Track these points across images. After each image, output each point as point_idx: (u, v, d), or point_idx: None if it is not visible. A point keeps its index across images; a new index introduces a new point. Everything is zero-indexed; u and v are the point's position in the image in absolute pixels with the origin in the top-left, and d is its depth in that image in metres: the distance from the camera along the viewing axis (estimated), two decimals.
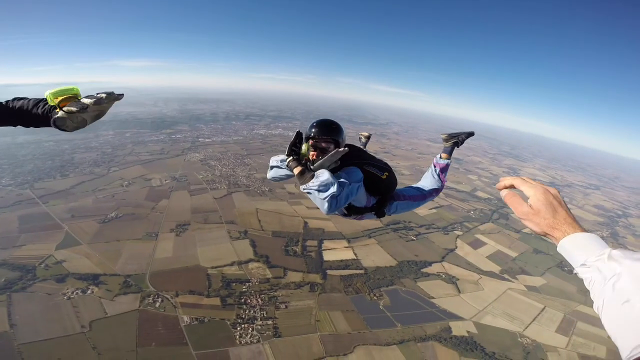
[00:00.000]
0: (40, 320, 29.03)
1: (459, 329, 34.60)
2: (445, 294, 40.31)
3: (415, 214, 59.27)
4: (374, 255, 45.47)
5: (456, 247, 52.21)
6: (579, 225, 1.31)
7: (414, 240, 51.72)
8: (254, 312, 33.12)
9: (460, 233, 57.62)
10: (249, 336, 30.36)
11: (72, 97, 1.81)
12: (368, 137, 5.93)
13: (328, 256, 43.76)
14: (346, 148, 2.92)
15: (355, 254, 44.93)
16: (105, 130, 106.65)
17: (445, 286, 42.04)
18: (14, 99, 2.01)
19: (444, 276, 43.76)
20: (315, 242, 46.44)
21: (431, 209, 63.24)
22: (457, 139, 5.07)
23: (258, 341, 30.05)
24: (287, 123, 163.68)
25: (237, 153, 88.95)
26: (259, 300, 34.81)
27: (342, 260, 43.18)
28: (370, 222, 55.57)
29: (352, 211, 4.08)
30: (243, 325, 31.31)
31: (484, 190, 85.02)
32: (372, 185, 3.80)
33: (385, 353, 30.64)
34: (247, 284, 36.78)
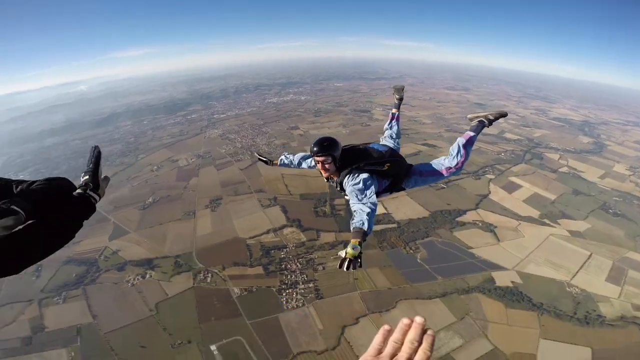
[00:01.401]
0: (115, 308, 31.64)
1: (502, 279, 33.71)
2: (485, 243, 39.28)
3: None
4: (405, 208, 44.88)
5: (490, 192, 50.43)
6: None
7: (444, 188, 50.25)
8: (295, 276, 34.21)
9: (493, 177, 55.45)
10: (294, 301, 31.54)
11: None
12: (400, 99, 6.27)
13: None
14: None
15: (385, 208, 44.32)
16: (123, 122, 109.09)
17: (483, 235, 40.89)
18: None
19: (480, 224, 42.58)
20: (342, 200, 46.21)
21: None
22: (483, 119, 4.89)
23: (303, 304, 31.13)
24: (297, 88, 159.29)
25: (254, 123, 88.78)
26: (298, 264, 35.79)
27: None
28: None
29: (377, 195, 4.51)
30: (287, 291, 32.57)
31: (513, 132, 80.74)
32: (379, 174, 4.38)
33: (429, 306, 30.62)
34: (285, 249, 37.76)
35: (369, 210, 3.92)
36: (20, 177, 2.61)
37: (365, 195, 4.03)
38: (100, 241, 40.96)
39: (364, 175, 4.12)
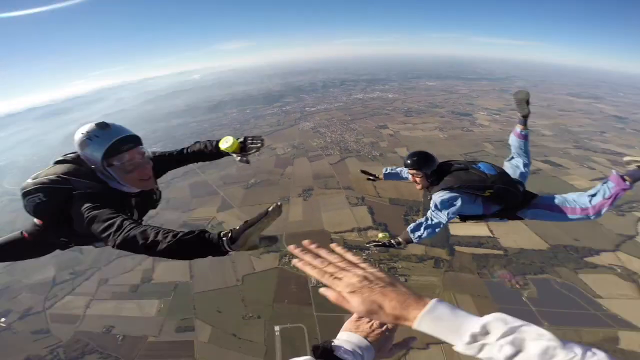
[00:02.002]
0: (210, 273, 35.75)
1: (631, 341, 26.93)
2: (620, 294, 31.81)
3: (571, 184, 48.25)
4: (517, 235, 38.47)
5: (638, 234, 40.32)
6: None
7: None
8: None
9: None
10: None
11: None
12: (526, 115, 4.93)
13: (456, 230, 38.30)
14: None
15: (490, 231, 38.66)
16: (230, 109, 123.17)
17: (620, 284, 32.97)
18: (195, 142, 3.30)
19: (619, 270, 34.51)
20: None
21: (593, 179, 48.74)
22: None
23: None
24: (383, 85, 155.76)
25: (342, 119, 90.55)
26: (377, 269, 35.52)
27: (473, 237, 37.78)
28: None
29: (469, 218, 4.37)
30: None
31: None
32: (484, 197, 4.07)
33: None
34: (367, 252, 36.08)
35: (429, 222, 4.16)
36: (153, 148, 3.09)
37: (436, 212, 4.10)
38: (211, 211, 47.49)
39: (450, 195, 3.97)
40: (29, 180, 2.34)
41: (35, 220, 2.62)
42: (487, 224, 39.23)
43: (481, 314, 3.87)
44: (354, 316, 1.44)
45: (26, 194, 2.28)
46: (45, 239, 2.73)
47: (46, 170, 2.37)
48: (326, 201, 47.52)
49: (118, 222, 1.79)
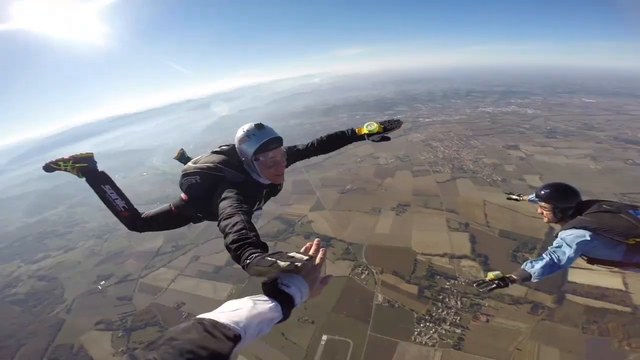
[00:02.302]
0: None
1: None
2: None
3: None
4: None
5: None
6: None
7: None
8: (447, 314, 29.53)
9: None
10: (426, 336, 27.62)
11: None
12: None
13: (577, 276, 32.04)
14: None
15: (625, 284, 30.51)
16: (341, 114, 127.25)
17: None
18: (326, 135, 3.74)
19: None
20: None
21: None
22: None
23: (433, 345, 26.94)
24: (522, 99, 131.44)
25: (461, 134, 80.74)
26: (459, 302, 30.59)
27: (597, 287, 30.80)
28: None
29: (600, 262, 3.78)
30: (428, 324, 28.67)
31: None
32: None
33: None
34: (453, 281, 32.97)
35: (548, 259, 3.75)
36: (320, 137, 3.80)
37: (561, 250, 3.66)
38: (304, 209, 49.23)
39: (582, 233, 3.52)
40: (190, 164, 3.02)
41: (182, 195, 3.22)
42: (623, 276, 31.43)
43: None
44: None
45: (186, 175, 2.95)
46: (186, 213, 3.30)
47: (205, 157, 2.98)
48: (422, 220, 43.32)
49: (231, 222, 2.08)
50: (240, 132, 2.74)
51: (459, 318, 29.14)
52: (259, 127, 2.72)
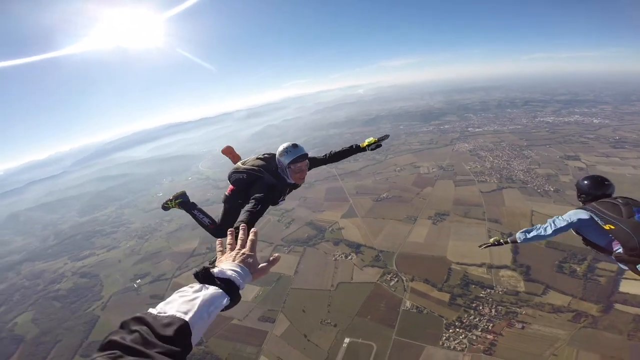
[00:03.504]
0: (311, 272, 37.23)
1: None
2: None
3: None
4: None
5: None
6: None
7: None
8: (479, 320, 28.25)
9: None
10: (455, 341, 26.76)
11: None
12: None
13: (628, 287, 29.86)
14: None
15: None
16: (384, 124, 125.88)
17: None
18: (340, 148, 5.05)
19: None
20: (614, 267, 31.26)
21: None
22: None
23: (462, 350, 26.02)
24: (588, 108, 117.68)
25: (514, 144, 75.34)
26: (493, 310, 29.26)
27: None
28: None
29: (592, 246, 4.23)
30: (457, 330, 27.70)
31: None
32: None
33: None
34: (489, 290, 31.61)
35: (537, 229, 4.33)
36: (310, 152, 4.28)
37: (558, 219, 4.21)
38: (335, 215, 49.47)
39: (578, 210, 4.12)
40: (240, 164, 4.24)
41: (227, 190, 4.43)
42: None
43: None
44: (220, 256, 1.91)
45: (236, 172, 4.16)
46: (229, 203, 4.40)
47: (251, 160, 4.20)
48: (460, 230, 41.33)
49: (250, 209, 3.47)
50: (281, 148, 3.90)
51: (491, 325, 27.96)
52: (294, 146, 3.87)
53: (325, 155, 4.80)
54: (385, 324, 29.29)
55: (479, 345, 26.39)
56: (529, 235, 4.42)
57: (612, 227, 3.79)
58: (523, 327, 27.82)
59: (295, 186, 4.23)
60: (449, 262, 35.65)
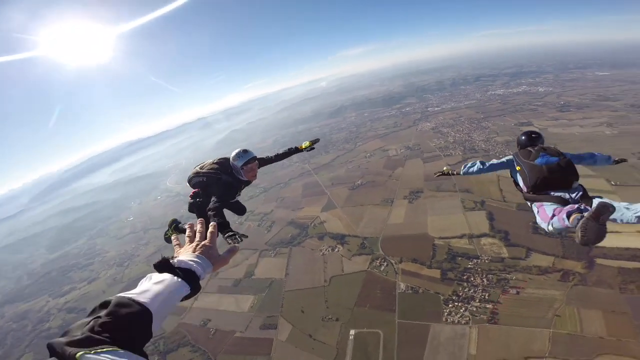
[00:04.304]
0: (302, 271, 36.99)
1: None
2: None
3: None
4: None
5: None
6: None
7: None
8: (474, 291, 29.23)
9: None
10: (458, 315, 27.37)
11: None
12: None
13: (605, 241, 29.71)
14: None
15: None
16: (349, 113, 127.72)
17: None
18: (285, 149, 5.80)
19: None
20: None
21: None
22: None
23: (466, 323, 26.55)
24: (532, 79, 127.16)
25: (472, 117, 79.65)
26: (484, 280, 30.35)
27: (627, 249, 30.31)
28: None
29: (516, 184, 4.94)
30: (456, 304, 28.41)
31: None
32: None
33: None
34: (475, 260, 32.75)
35: (478, 162, 5.16)
36: (281, 151, 5.75)
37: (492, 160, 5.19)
38: (315, 210, 49.43)
39: (509, 155, 5.00)
40: (197, 168, 4.85)
41: (190, 194, 4.91)
42: None
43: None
44: (179, 249, 1.95)
45: (197, 175, 4.73)
46: (198, 209, 4.78)
47: (208, 164, 4.82)
48: (436, 205, 42.94)
49: (212, 206, 4.11)
50: (233, 153, 4.69)
51: (487, 294, 28.88)
52: (245, 151, 4.68)
53: (271, 156, 5.48)
54: (386, 310, 29.59)
55: (482, 316, 27.08)
56: (472, 169, 5.16)
57: (519, 168, 4.47)
58: (518, 293, 28.75)
59: (247, 183, 4.96)
60: (432, 238, 36.75)
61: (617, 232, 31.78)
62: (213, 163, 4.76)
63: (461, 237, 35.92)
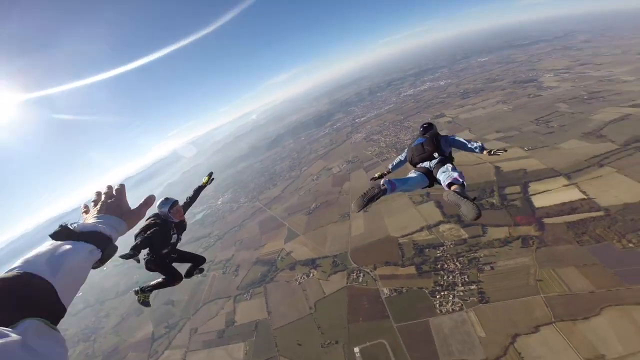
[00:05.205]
0: (284, 305, 36.32)
1: None
2: None
3: None
4: (617, 189, 33.74)
5: None
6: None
7: None
8: (453, 277, 30.47)
9: None
10: (449, 304, 27.96)
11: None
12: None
13: (540, 201, 35.72)
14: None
15: (583, 192, 34.74)
16: (286, 141, 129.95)
17: None
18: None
19: None
20: (517, 188, 38.95)
21: None
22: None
23: (461, 309, 27.30)
24: (433, 74, 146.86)
25: (394, 120, 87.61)
26: (457, 264, 31.75)
27: (563, 204, 34.16)
28: (603, 146, 42.10)
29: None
30: (442, 293, 29.23)
31: None
32: None
33: None
34: (441, 248, 34.45)
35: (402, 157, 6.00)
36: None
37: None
38: (278, 244, 49.06)
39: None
40: (138, 230, 4.97)
41: (144, 256, 5.22)
42: (577, 186, 36.22)
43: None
44: (86, 215, 1.78)
45: (140, 232, 4.90)
46: (156, 263, 5.30)
47: (143, 223, 5.07)
48: (389, 207, 45.72)
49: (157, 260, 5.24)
50: (158, 203, 5.24)
51: (466, 276, 30.13)
52: (166, 199, 5.29)
53: (186, 200, 6.00)
54: (379, 318, 29.58)
55: (472, 299, 27.90)
56: (395, 163, 6.00)
57: (407, 150, 5.68)
58: (493, 268, 29.94)
59: (180, 224, 5.53)
60: (395, 238, 38.57)
61: (548, 190, 36.68)
62: (146, 220, 5.17)
63: (421, 230, 38.07)
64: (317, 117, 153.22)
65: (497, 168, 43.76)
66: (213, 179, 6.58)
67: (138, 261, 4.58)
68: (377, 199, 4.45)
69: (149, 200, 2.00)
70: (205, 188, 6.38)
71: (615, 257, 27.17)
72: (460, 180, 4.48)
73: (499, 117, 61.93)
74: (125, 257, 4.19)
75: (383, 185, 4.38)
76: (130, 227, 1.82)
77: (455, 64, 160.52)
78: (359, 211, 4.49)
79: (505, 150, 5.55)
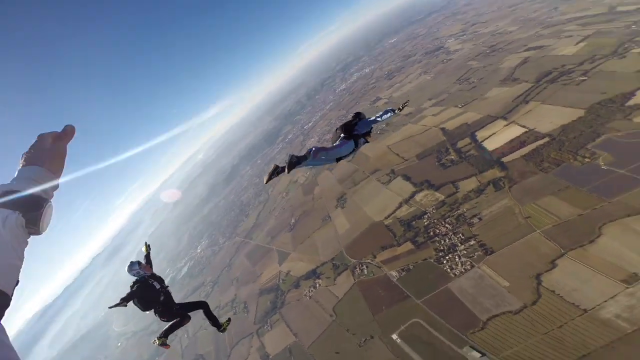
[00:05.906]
0: (305, 322, 36.22)
1: None
2: None
3: (562, 55, 48.89)
4: (548, 116, 38.10)
5: None
6: None
7: (585, 80, 41.35)
8: (450, 239, 31.36)
9: None
10: (459, 265, 28.55)
11: None
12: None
13: (492, 144, 38.97)
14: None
15: (523, 126, 38.73)
16: (244, 169, 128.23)
17: None
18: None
19: None
20: (467, 140, 42.49)
21: (578, 42, 50.50)
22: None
23: (472, 266, 27.91)
24: (357, 65, 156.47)
25: (339, 115, 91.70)
26: (447, 225, 32.83)
27: (512, 141, 37.55)
28: (520, 86, 47.53)
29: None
30: (447, 257, 29.97)
31: (624, 3, 58.94)
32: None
33: None
34: (425, 216, 35.91)
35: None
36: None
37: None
38: (274, 269, 49.09)
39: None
40: (124, 297, 6.02)
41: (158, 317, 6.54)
42: (516, 123, 39.99)
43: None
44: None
45: (134, 298, 6.06)
46: (166, 313, 6.54)
47: (129, 288, 6.22)
48: (361, 195, 47.95)
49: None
50: (126, 268, 6.32)
51: (460, 234, 31.10)
52: (132, 262, 6.37)
53: (144, 257, 7.03)
54: (401, 300, 29.75)
55: (477, 253, 28.49)
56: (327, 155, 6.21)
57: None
58: (480, 219, 30.93)
59: (154, 275, 6.54)
60: (380, 222, 40.14)
61: (494, 134, 40.33)
62: (130, 286, 6.12)
63: (400, 206, 39.85)
64: (266, 136, 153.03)
65: (442, 129, 48.12)
66: (149, 245, 7.34)
67: (125, 306, 5.69)
68: (282, 172, 5.11)
69: (67, 129, 1.62)
70: (150, 254, 7.12)
71: (580, 175, 28.94)
72: (310, 150, 5.39)
73: (425, 86, 68.28)
74: (113, 307, 5.57)
75: (294, 157, 5.05)
76: (54, 170, 1.49)
77: (371, 50, 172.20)
78: (266, 183, 5.21)
79: (408, 100, 7.49)
